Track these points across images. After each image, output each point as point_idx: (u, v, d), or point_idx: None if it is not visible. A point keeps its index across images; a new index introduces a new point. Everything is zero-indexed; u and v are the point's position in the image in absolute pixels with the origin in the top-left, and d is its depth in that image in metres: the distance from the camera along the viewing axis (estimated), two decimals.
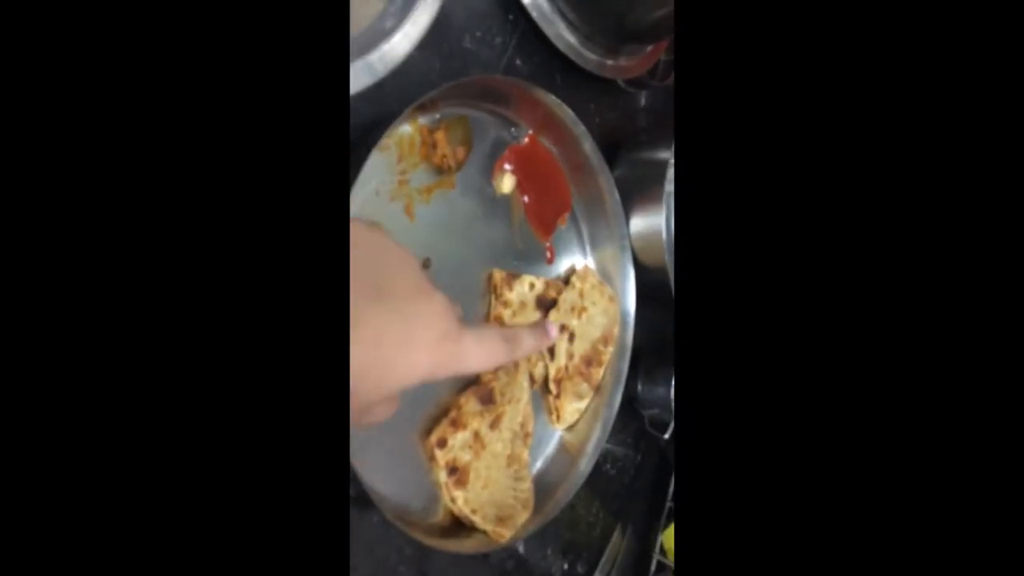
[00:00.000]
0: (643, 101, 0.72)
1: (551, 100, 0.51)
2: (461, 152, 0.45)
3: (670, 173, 0.60)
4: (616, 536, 0.70)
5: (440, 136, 0.45)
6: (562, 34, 0.57)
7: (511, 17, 0.54)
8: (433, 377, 0.31)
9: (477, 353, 0.33)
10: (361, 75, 0.41)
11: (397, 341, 0.28)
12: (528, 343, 0.39)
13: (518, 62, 0.55)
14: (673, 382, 0.67)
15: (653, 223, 0.62)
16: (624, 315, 0.62)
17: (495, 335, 0.36)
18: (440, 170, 0.47)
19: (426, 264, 0.47)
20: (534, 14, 0.54)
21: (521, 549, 0.60)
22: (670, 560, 0.69)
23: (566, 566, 0.64)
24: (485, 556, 0.56)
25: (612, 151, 0.64)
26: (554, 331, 0.42)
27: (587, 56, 0.59)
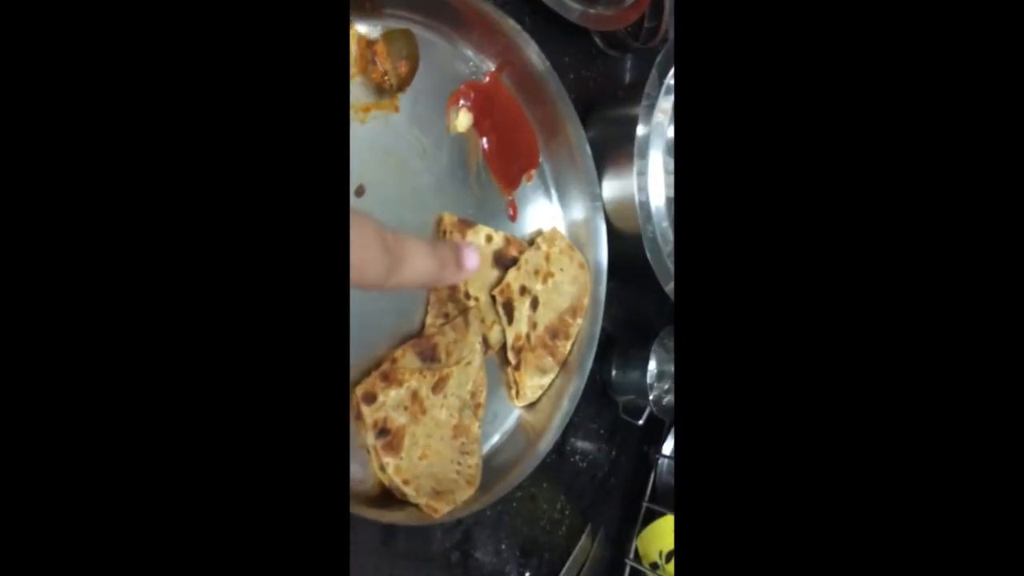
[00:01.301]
0: (628, 72, 0.67)
1: (513, 27, 0.46)
2: (404, 67, 0.41)
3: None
4: (585, 539, 0.62)
5: (380, 47, 0.40)
6: None
7: None
8: (373, 286, 0.28)
9: (417, 261, 0.29)
10: None
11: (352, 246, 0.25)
12: (451, 265, 0.33)
13: None
14: (650, 367, 0.61)
15: (628, 186, 0.57)
16: (596, 283, 0.56)
17: (427, 249, 0.31)
18: (381, 90, 0.42)
19: (359, 191, 0.42)
20: None
21: (471, 543, 0.53)
22: (645, 567, 0.61)
23: (522, 567, 0.57)
24: (425, 541, 0.49)
25: (585, 113, 0.59)
26: (473, 259, 0.33)
27: (564, 2, 0.55)
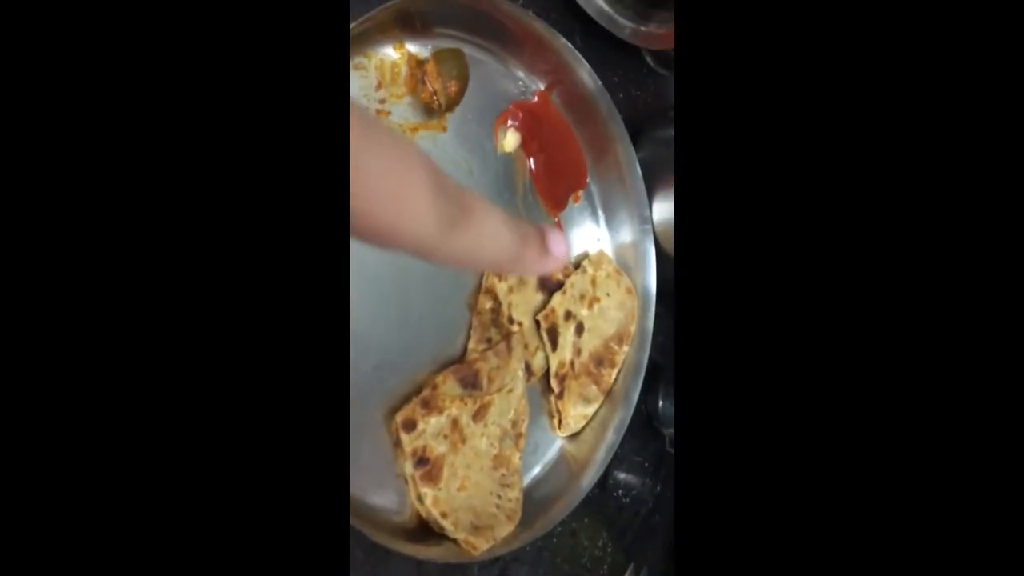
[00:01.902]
0: (672, 94, 0.65)
1: (564, 46, 0.45)
2: (453, 87, 0.40)
3: None
4: None
5: (430, 68, 0.39)
6: None
7: None
8: (426, 244, 0.21)
9: (487, 225, 0.22)
10: None
11: (390, 169, 0.19)
12: (534, 247, 0.26)
13: (531, 14, 0.50)
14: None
15: None
16: (644, 310, 0.54)
17: (503, 216, 0.24)
18: (429, 110, 0.41)
19: None
20: None
21: None
22: None
23: None
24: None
25: (635, 133, 0.58)
26: (561, 246, 0.27)
27: (613, 18, 0.54)
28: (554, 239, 0.26)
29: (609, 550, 0.58)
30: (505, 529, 0.43)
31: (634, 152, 0.52)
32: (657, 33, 0.58)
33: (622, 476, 0.61)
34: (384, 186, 0.20)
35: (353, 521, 0.36)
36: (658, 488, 0.63)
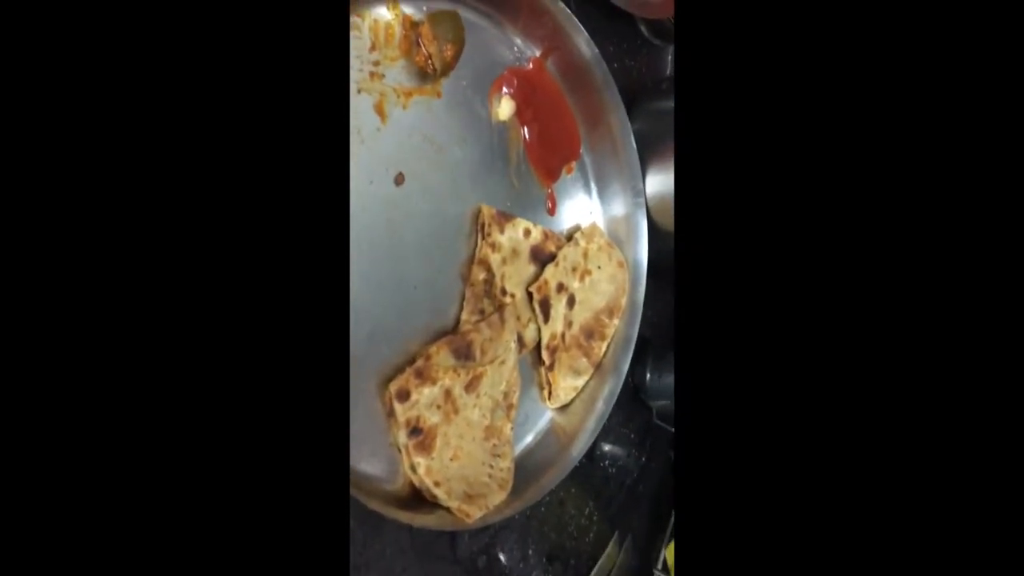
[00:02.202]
0: (670, 64, 0.65)
1: (561, 10, 0.44)
2: (449, 51, 0.39)
3: None
4: (612, 547, 0.60)
5: (424, 30, 0.38)
6: None
7: None
8: None
9: None
10: None
11: None
12: None
13: None
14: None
15: (672, 182, 0.54)
16: (634, 283, 0.54)
17: None
18: (424, 74, 0.40)
19: (399, 179, 0.40)
20: None
21: (498, 547, 0.51)
22: None
23: (547, 574, 0.55)
24: (452, 545, 0.47)
25: (629, 105, 0.57)
26: None
27: None
28: None
29: (595, 519, 0.59)
30: (497, 497, 0.43)
31: (629, 123, 0.52)
32: (652, 2, 0.57)
33: (608, 447, 0.61)
34: None
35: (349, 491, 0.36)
36: (643, 459, 0.64)
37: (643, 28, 0.60)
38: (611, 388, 0.52)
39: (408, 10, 0.39)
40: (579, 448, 0.50)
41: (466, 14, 0.42)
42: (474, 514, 0.41)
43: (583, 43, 0.47)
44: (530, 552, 0.54)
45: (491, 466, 0.45)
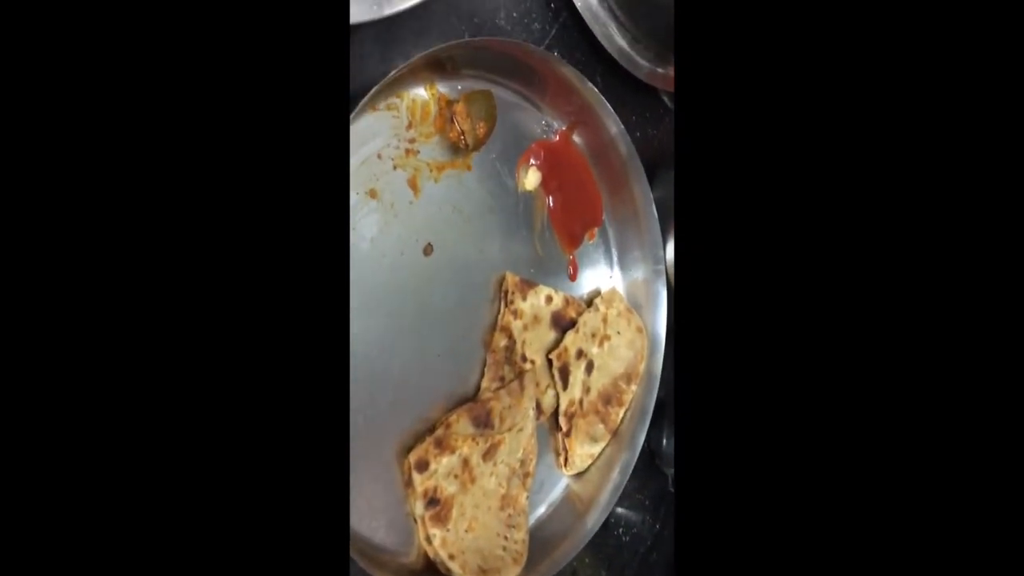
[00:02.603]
0: None
1: (589, 90, 0.45)
2: (482, 129, 0.40)
3: None
4: None
5: (459, 108, 0.40)
6: (610, 33, 0.52)
7: (553, 5, 0.50)
8: None
9: None
10: (366, 4, 0.35)
11: None
12: None
13: (557, 56, 0.51)
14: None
15: None
16: (652, 352, 0.54)
17: None
18: (456, 149, 0.42)
19: (427, 251, 0.41)
20: (579, 4, 0.50)
21: None
22: None
23: None
24: None
25: (650, 173, 0.58)
26: None
27: (635, 60, 0.54)
28: None
29: None
30: (512, 572, 0.42)
31: (651, 193, 0.52)
32: (673, 76, 0.59)
33: (622, 513, 0.60)
34: None
35: (362, 563, 0.36)
36: (657, 526, 0.63)
37: (665, 99, 0.62)
38: (627, 457, 0.52)
39: (444, 90, 0.41)
40: (594, 519, 0.49)
41: (498, 92, 0.44)
42: None
43: (609, 119, 0.48)
44: None
45: (506, 538, 0.44)
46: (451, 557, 0.40)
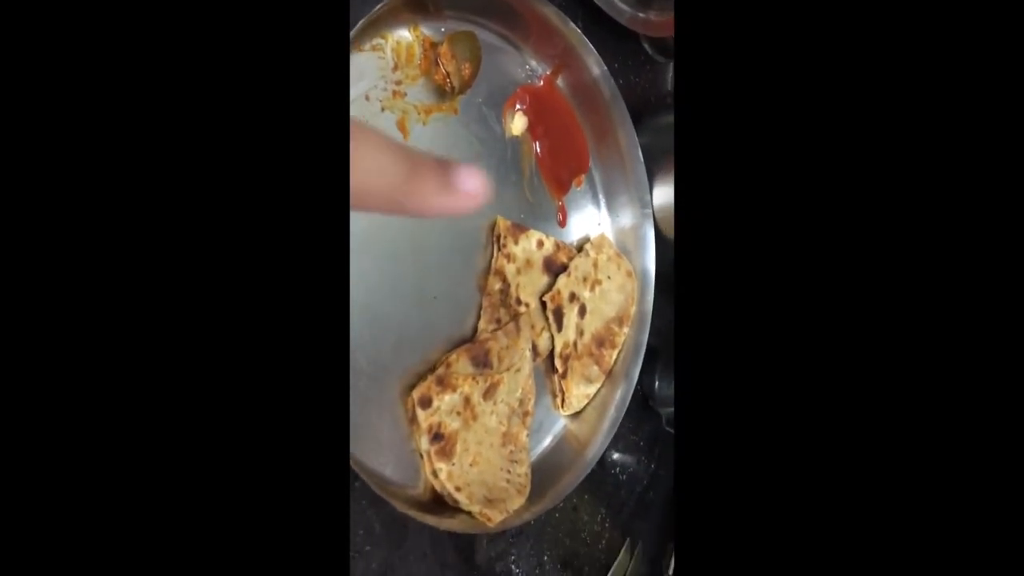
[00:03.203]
0: (670, 80, 0.67)
1: (571, 31, 0.46)
2: (467, 70, 0.41)
3: None
4: (623, 554, 0.61)
5: (444, 50, 0.40)
6: None
7: None
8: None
9: (360, 152, 0.20)
10: None
11: None
12: (429, 180, 0.22)
13: None
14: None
15: None
16: (643, 292, 0.56)
17: (385, 143, 0.21)
18: (442, 91, 0.42)
19: None
20: None
21: (513, 551, 0.52)
22: None
23: None
24: (471, 551, 0.48)
25: (635, 120, 0.59)
26: (473, 182, 0.22)
27: (614, 3, 0.55)
28: (464, 174, 0.22)
29: (607, 526, 0.60)
30: (517, 502, 0.44)
31: (636, 137, 0.53)
32: (655, 20, 0.59)
33: (619, 455, 0.62)
34: None
35: (375, 488, 0.37)
36: (652, 466, 0.65)
37: (646, 46, 0.62)
38: (622, 394, 0.53)
39: (427, 31, 0.41)
40: (593, 453, 0.51)
41: (482, 35, 0.44)
42: (495, 518, 0.42)
43: (592, 61, 0.48)
44: (545, 558, 0.54)
45: (509, 471, 0.46)
46: (457, 489, 0.42)
